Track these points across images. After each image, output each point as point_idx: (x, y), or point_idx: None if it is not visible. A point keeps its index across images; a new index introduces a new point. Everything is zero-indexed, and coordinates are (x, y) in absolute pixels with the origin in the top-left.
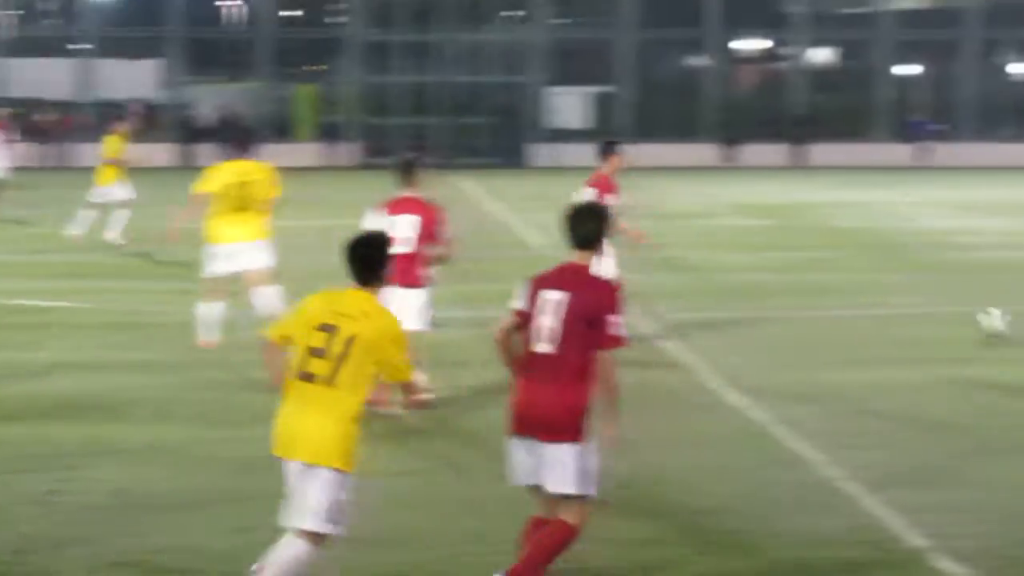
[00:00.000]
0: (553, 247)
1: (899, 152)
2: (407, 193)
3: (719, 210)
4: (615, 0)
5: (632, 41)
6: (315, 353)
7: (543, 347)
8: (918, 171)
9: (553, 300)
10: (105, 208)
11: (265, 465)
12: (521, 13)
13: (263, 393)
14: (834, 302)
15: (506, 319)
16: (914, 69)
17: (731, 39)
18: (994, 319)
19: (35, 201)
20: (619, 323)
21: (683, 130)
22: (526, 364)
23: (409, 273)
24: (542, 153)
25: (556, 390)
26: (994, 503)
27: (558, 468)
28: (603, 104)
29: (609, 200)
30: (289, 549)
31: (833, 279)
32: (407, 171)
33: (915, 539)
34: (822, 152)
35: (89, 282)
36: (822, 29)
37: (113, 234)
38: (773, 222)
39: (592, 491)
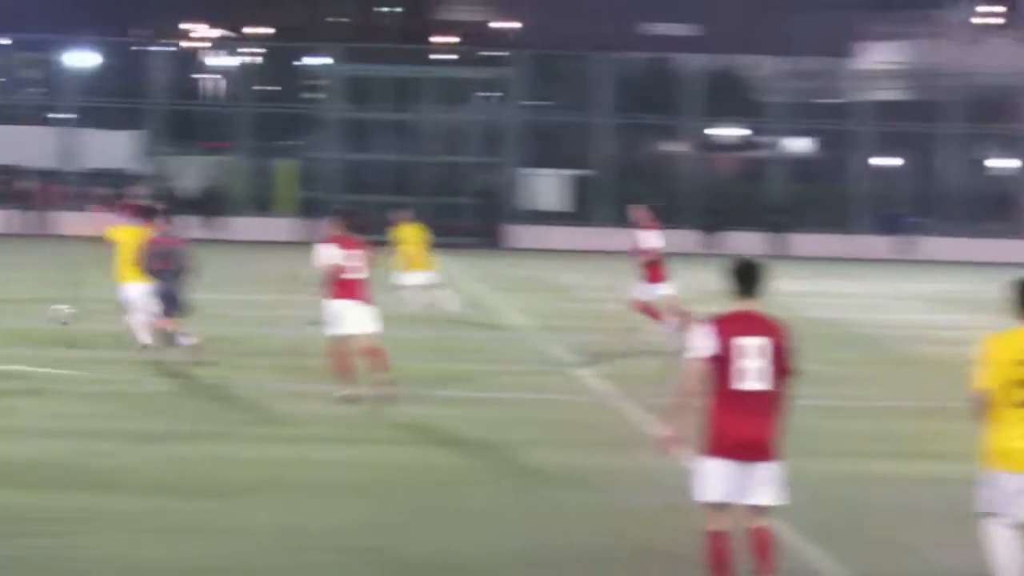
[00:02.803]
0: (536, 328)
1: (877, 244)
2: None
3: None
4: (592, 84)
5: (609, 125)
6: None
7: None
8: (898, 264)
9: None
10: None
11: (252, 538)
12: (498, 94)
13: (253, 465)
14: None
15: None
16: (893, 161)
17: (707, 126)
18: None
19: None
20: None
21: (660, 215)
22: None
23: None
24: (519, 234)
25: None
26: None
27: (769, 483)
28: (580, 187)
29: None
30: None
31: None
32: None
33: None
34: (801, 241)
35: (77, 352)
36: (800, 118)
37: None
38: None
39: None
